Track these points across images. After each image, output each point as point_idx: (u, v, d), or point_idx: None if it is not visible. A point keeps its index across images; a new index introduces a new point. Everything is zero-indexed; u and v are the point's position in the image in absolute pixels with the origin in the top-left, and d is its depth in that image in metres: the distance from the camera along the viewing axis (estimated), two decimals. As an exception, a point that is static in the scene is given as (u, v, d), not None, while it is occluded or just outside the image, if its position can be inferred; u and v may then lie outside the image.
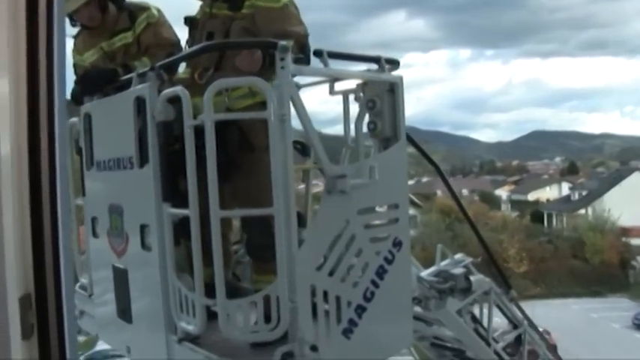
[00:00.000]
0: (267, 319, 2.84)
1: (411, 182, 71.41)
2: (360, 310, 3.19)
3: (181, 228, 3.14)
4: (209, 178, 2.80)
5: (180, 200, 3.04)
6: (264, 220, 2.96)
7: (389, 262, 3.40)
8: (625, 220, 55.77)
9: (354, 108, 3.79)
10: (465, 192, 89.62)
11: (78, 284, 4.44)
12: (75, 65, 4.47)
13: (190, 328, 3.02)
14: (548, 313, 38.15)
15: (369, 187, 3.25)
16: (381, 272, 3.34)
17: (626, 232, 55.35)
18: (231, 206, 3.62)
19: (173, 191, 3.18)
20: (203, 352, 2.97)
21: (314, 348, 2.87)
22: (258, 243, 3.36)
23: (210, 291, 2.87)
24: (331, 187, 3.07)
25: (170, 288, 3.15)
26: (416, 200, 66.62)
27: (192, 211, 2.91)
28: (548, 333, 34.00)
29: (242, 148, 3.42)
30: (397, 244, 3.46)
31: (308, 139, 3.15)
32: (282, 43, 2.92)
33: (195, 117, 2.92)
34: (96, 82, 3.97)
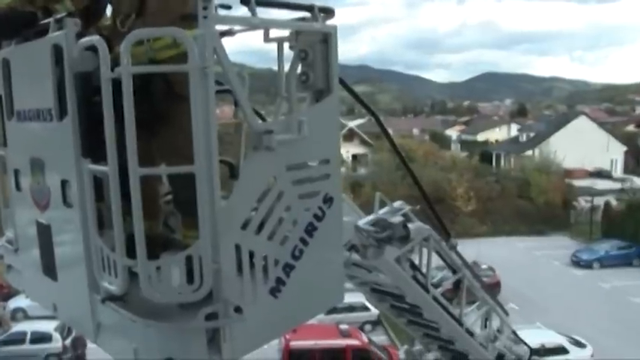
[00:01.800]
0: (191, 278, 2.78)
1: (362, 121, 71.79)
2: (289, 268, 3.15)
3: (107, 182, 3.01)
4: (127, 134, 2.67)
5: (102, 155, 2.90)
6: (189, 176, 2.86)
7: (319, 218, 3.35)
8: (569, 162, 57.47)
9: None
10: (415, 131, 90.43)
11: (4, 237, 4.29)
12: None
13: (113, 288, 2.93)
14: (494, 251, 39.35)
15: (298, 143, 3.17)
16: (310, 229, 3.30)
17: (569, 173, 57.15)
18: (159, 159, 3.51)
19: (94, 146, 3.03)
20: (126, 312, 2.90)
21: (239, 309, 2.83)
22: (184, 198, 3.26)
23: (134, 247, 2.79)
24: (257, 143, 2.98)
25: (92, 247, 3.05)
26: (367, 139, 66.95)
27: (110, 168, 2.79)
28: (493, 270, 35.39)
29: (168, 100, 3.27)
30: (328, 200, 3.41)
31: (233, 93, 3.02)
32: None
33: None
34: (10, 26, 3.71)
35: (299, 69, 3.52)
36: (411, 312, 9.82)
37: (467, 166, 60.68)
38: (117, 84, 2.73)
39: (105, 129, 2.77)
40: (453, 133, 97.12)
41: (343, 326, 27.89)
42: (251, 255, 2.95)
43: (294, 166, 3.23)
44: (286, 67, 3.54)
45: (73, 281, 3.35)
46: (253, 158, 3.04)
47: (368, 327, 31.71)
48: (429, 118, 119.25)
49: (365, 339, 28.30)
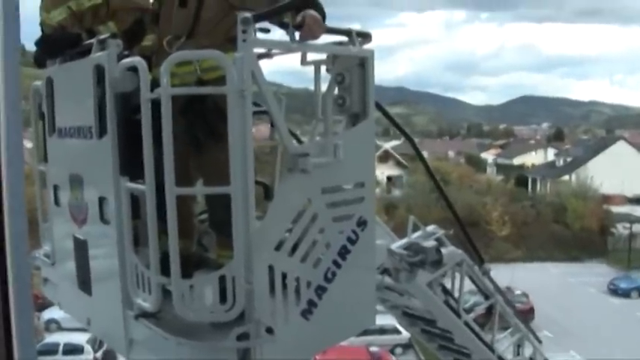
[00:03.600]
0: (224, 298, 2.79)
1: (397, 142, 71.70)
2: (321, 290, 3.15)
3: (144, 200, 3.06)
4: (165, 154, 2.71)
5: (140, 174, 2.95)
6: (225, 196, 2.89)
7: (352, 242, 3.35)
8: (607, 187, 56.40)
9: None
10: (451, 154, 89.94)
11: (42, 251, 4.38)
12: (42, 24, 4.30)
13: (146, 305, 2.97)
14: (528, 277, 38.73)
15: (333, 166, 3.18)
16: (343, 252, 3.30)
17: (607, 199, 56.08)
18: (196, 178, 3.55)
19: (132, 164, 3.08)
20: (158, 330, 2.92)
21: (270, 330, 2.83)
22: (219, 218, 3.29)
23: (169, 265, 2.82)
24: (292, 165, 3.00)
25: (127, 264, 3.09)
26: (402, 161, 66.81)
27: (148, 187, 2.84)
28: (527, 296, 34.79)
29: (216, 119, 3.32)
30: (362, 223, 3.41)
31: (270, 115, 3.05)
32: (243, 14, 2.81)
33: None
34: (56, 45, 3.82)
35: (335, 92, 3.54)
36: (442, 337, 9.70)
37: (502, 190, 60.04)
38: (157, 104, 2.78)
39: (143, 148, 2.82)
40: (488, 156, 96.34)
41: (374, 349, 27.69)
42: (284, 276, 2.96)
43: (328, 189, 3.24)
44: (323, 89, 3.57)
45: (107, 297, 3.39)
46: (288, 180, 3.06)
47: (399, 350, 31.42)
48: (464, 141, 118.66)
49: (393, 362, 28.03)
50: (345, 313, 3.38)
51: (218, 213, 3.38)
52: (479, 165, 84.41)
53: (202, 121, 3.31)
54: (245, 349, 2.81)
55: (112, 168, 3.13)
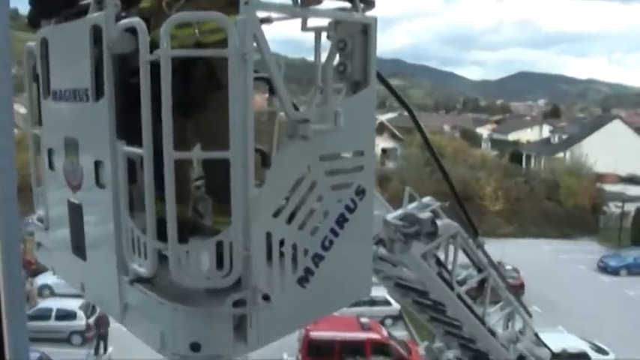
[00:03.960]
0: (220, 264, 2.77)
1: (393, 115, 71.54)
2: (318, 258, 3.13)
3: (140, 164, 3.02)
4: (163, 118, 2.65)
5: (138, 137, 2.90)
6: (223, 161, 2.85)
7: (350, 210, 3.32)
8: (601, 166, 56.57)
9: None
10: (446, 128, 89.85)
11: (35, 215, 4.33)
12: None
13: (142, 270, 2.94)
14: (519, 252, 38.99)
15: (333, 133, 3.14)
16: (341, 221, 3.27)
17: (600, 178, 56.28)
18: (193, 143, 3.50)
19: (129, 128, 3.03)
20: (154, 295, 2.90)
21: (267, 297, 2.81)
22: (217, 184, 3.25)
23: (165, 230, 2.79)
24: (293, 131, 2.95)
25: (123, 228, 3.05)
26: (397, 133, 66.69)
27: (145, 150, 2.78)
28: (517, 271, 35.06)
29: (210, 85, 3.25)
30: (360, 192, 3.38)
31: (271, 80, 2.99)
32: None
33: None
34: (51, 5, 3.72)
35: (336, 59, 3.48)
36: (434, 309, 9.79)
37: (496, 166, 60.19)
38: (155, 66, 2.72)
39: (142, 111, 2.77)
40: (484, 131, 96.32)
41: (364, 319, 27.91)
42: (281, 243, 2.93)
43: (328, 157, 3.20)
44: (322, 58, 3.51)
45: (101, 262, 3.36)
46: (288, 147, 3.02)
47: (389, 321, 31.72)
48: (460, 116, 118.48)
49: (385, 333, 28.31)
50: (341, 282, 3.37)
51: (215, 179, 3.34)
52: (474, 140, 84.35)
53: (198, 86, 3.25)
54: (241, 316, 2.80)
55: (109, 131, 3.07)
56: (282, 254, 2.94)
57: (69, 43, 3.49)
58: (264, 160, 4.15)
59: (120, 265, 3.12)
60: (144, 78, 2.75)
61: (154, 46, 2.79)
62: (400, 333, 30.79)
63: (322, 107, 3.23)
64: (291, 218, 2.98)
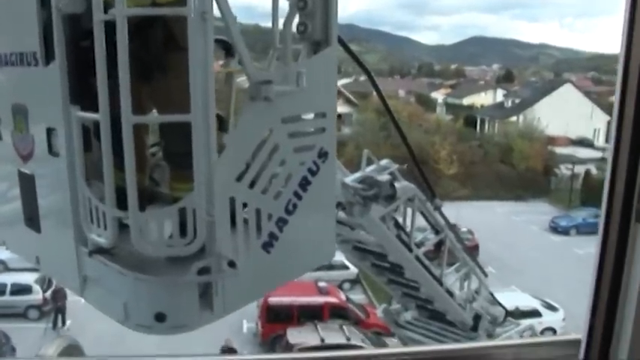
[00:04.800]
0: (183, 231, 2.69)
1: (348, 80, 71.30)
2: (282, 223, 3.08)
3: (95, 131, 2.89)
4: (121, 81, 2.52)
5: (92, 102, 2.76)
6: (182, 126, 2.76)
7: (313, 173, 3.27)
8: (552, 129, 57.84)
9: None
10: (401, 93, 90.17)
11: None
12: None
13: (101, 240, 2.82)
14: (474, 215, 39.79)
15: (295, 95, 3.06)
16: (304, 184, 3.22)
17: (552, 141, 57.60)
18: (149, 109, 3.38)
19: (83, 93, 2.89)
20: (115, 266, 2.81)
21: (232, 264, 2.76)
22: (176, 149, 3.15)
23: (123, 199, 2.68)
24: (255, 93, 2.87)
25: (80, 198, 2.93)
26: (352, 98, 66.65)
27: (102, 115, 2.64)
28: (472, 233, 35.78)
29: (166, 48, 3.12)
30: (323, 154, 3.32)
31: (231, 40, 2.89)
32: None
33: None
34: None
35: (296, 19, 3.39)
36: (392, 271, 9.90)
37: (451, 130, 60.99)
38: (110, 27, 2.58)
39: (97, 75, 2.63)
40: (439, 96, 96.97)
41: (322, 284, 28.18)
42: (245, 208, 2.87)
43: (290, 119, 3.13)
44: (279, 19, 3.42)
45: (57, 233, 3.23)
46: (250, 109, 2.93)
47: (346, 285, 32.10)
48: (415, 80, 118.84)
49: (343, 297, 28.68)
50: (305, 246, 3.34)
51: (174, 144, 3.24)
52: (429, 104, 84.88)
53: (155, 48, 3.12)
54: (206, 284, 2.74)
55: (62, 97, 2.91)
56: (245, 220, 2.88)
57: (14, 2, 3.30)
58: (221, 124, 4.05)
59: (77, 237, 3.01)
60: (98, 39, 2.61)
61: (107, 5, 2.65)
62: (358, 296, 31.23)
63: (284, 68, 3.14)
64: (253, 182, 2.92)
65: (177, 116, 2.66)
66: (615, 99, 1.70)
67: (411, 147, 8.18)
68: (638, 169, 1.60)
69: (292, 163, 3.15)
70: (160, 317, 2.71)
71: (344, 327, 25.18)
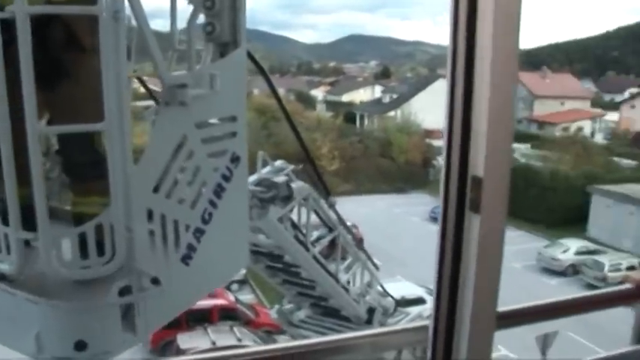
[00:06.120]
0: (101, 250, 2.47)
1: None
2: (199, 233, 2.92)
3: None
4: (24, 86, 2.26)
5: None
6: (83, 136, 2.55)
7: (227, 179, 3.14)
8: (428, 122, 60.29)
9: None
10: (281, 91, 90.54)
11: None
12: None
13: (4, 267, 2.53)
14: (357, 209, 40.67)
15: (209, 98, 2.93)
16: (219, 191, 3.08)
17: (428, 134, 60.01)
18: (42, 116, 3.09)
19: None
20: (24, 294, 2.52)
21: (156, 280, 2.57)
22: (78, 160, 2.92)
23: (25, 218, 2.43)
24: (169, 97, 2.70)
25: None
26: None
27: (1, 126, 2.38)
28: (356, 227, 36.50)
29: (67, 50, 2.86)
30: (235, 159, 3.20)
31: (145, 40, 2.70)
32: None
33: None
34: None
35: (201, 19, 3.24)
36: (287, 271, 9.90)
37: (331, 126, 61.97)
38: (6, 26, 2.33)
39: None
40: (318, 93, 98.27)
41: (210, 286, 27.71)
42: (162, 220, 2.70)
43: (203, 124, 2.99)
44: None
45: None
46: (165, 114, 2.76)
47: (235, 286, 31.80)
48: (295, 79, 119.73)
49: (232, 298, 28.43)
50: (222, 256, 3.20)
51: (76, 154, 3.00)
52: (309, 102, 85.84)
53: (55, 51, 2.86)
54: (127, 305, 2.54)
55: None
56: (164, 232, 2.71)
57: None
58: None
59: None
60: None
61: (1, 3, 2.40)
62: (246, 296, 31.06)
63: (196, 71, 2.99)
64: (170, 192, 2.75)
65: (91, 125, 2.45)
66: (446, 96, 1.79)
67: (305, 145, 8.17)
68: (468, 161, 1.71)
69: (206, 169, 3.00)
70: (80, 346, 2.47)
71: (234, 328, 24.98)
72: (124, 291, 2.48)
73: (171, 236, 2.73)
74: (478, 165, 1.69)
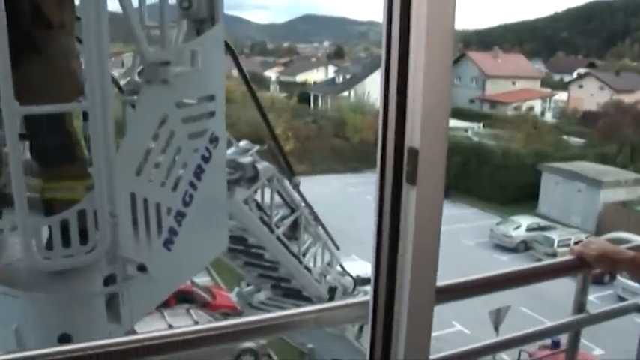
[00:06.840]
0: (85, 237, 2.34)
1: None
2: (180, 216, 2.83)
3: None
4: (0, 66, 2.13)
5: None
6: (57, 117, 2.41)
7: (206, 160, 3.05)
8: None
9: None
10: (234, 72, 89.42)
11: None
12: None
13: None
14: (312, 189, 40.47)
15: (191, 76, 2.82)
16: (198, 172, 3.00)
17: (382, 113, 60.24)
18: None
19: None
20: (6, 288, 2.37)
21: (142, 267, 2.46)
22: (49, 144, 2.76)
23: None
24: (152, 75, 2.57)
25: None
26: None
27: None
28: (311, 207, 36.61)
29: (34, 26, 2.68)
30: (214, 140, 3.12)
31: (125, 16, 2.55)
32: None
33: None
34: None
35: None
36: (248, 253, 9.79)
37: (285, 107, 61.48)
38: None
39: None
40: (272, 74, 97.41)
41: (169, 273, 27.33)
42: (145, 205, 2.58)
43: (183, 103, 2.88)
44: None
45: None
46: (147, 93, 2.64)
47: (193, 272, 31.41)
48: (248, 59, 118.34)
49: (187, 281, 28.07)
50: (202, 239, 3.11)
51: (47, 138, 2.83)
52: (263, 82, 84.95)
53: (23, 26, 2.68)
54: (111, 294, 2.41)
55: None
56: (146, 216, 2.59)
57: None
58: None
59: None
60: None
61: None
62: (203, 279, 30.73)
63: (176, 48, 2.86)
64: (151, 175, 2.64)
65: (74, 105, 2.31)
66: (382, 67, 1.77)
67: (272, 127, 8.06)
68: (405, 133, 1.71)
69: (186, 150, 2.91)
70: (64, 338, 2.32)
71: (191, 311, 24.67)
72: (109, 280, 2.36)
73: (153, 220, 2.63)
74: (414, 137, 1.67)
